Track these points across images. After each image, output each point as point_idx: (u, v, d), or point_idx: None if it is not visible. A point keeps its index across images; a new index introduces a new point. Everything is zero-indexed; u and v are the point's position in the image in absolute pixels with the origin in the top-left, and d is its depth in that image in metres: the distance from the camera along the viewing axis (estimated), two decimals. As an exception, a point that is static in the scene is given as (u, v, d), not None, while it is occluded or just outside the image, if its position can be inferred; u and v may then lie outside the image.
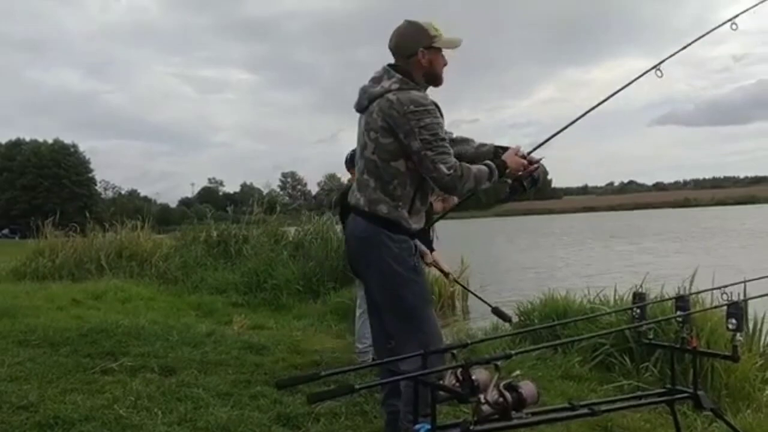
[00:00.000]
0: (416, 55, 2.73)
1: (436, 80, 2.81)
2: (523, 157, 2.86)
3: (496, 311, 3.64)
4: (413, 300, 2.69)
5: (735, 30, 3.40)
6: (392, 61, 2.80)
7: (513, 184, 2.88)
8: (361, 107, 2.79)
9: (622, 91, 3.29)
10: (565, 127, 3.17)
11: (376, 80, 2.76)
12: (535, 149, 3.02)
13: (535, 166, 2.87)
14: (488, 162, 2.73)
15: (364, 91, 2.79)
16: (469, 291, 3.91)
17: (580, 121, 3.25)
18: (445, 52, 2.82)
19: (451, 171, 2.57)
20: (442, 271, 4.46)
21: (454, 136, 2.99)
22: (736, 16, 3.43)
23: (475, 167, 2.65)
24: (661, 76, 3.12)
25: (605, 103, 3.28)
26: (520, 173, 2.83)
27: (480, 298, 3.54)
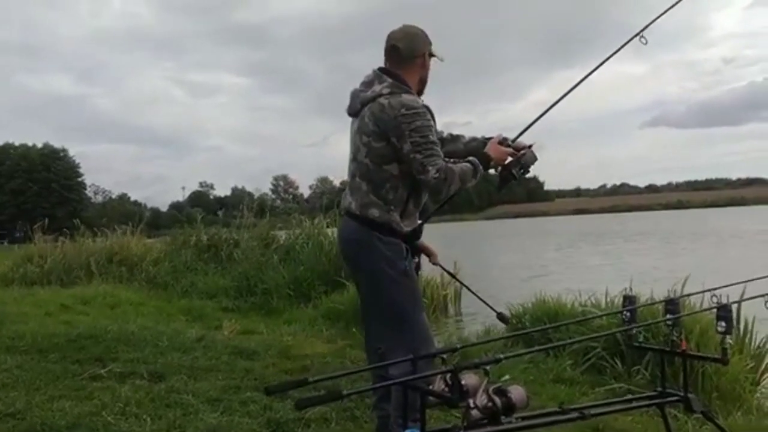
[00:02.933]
0: (420, 58, 2.78)
1: (423, 87, 2.85)
2: (508, 145, 2.85)
3: (501, 316, 3.63)
4: (403, 303, 2.68)
5: None
6: (382, 65, 2.81)
7: (502, 173, 2.84)
8: (353, 111, 2.80)
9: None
10: (551, 107, 3.05)
11: (367, 84, 2.77)
12: (519, 135, 2.96)
13: (522, 152, 2.84)
14: (471, 159, 2.73)
15: (355, 95, 2.80)
16: (475, 294, 3.90)
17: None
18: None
19: (437, 174, 2.57)
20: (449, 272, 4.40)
21: (445, 135, 2.99)
22: None
23: (458, 167, 2.65)
24: (646, 43, 3.06)
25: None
26: (507, 162, 2.82)
27: (485, 302, 3.52)
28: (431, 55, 2.82)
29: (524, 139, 2.94)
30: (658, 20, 3.13)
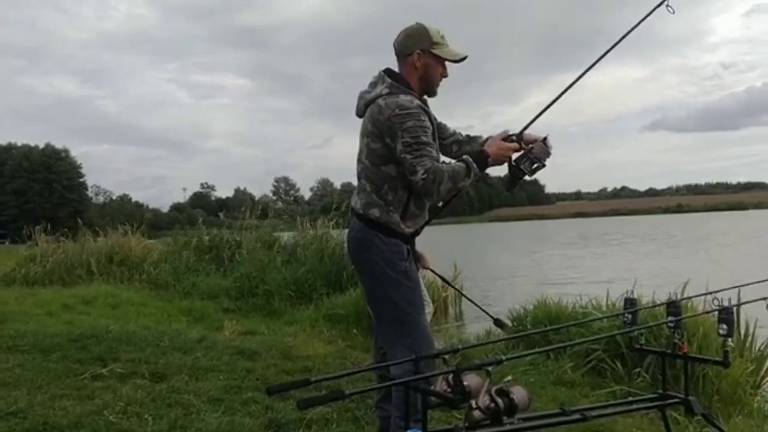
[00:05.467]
0: (411, 56, 2.73)
1: (429, 88, 2.80)
2: (513, 140, 2.78)
3: (498, 322, 3.62)
4: (403, 304, 2.68)
5: None
6: (387, 66, 2.82)
7: (512, 169, 2.75)
8: (359, 113, 2.82)
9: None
10: (562, 93, 2.93)
11: (372, 85, 2.79)
12: (525, 128, 2.85)
13: (530, 146, 2.74)
14: (464, 158, 2.67)
15: (361, 97, 2.82)
16: (471, 301, 3.90)
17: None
18: (448, 66, 2.81)
19: (425, 175, 2.55)
20: (441, 276, 4.38)
21: (462, 137, 2.98)
22: None
23: (449, 167, 2.61)
24: (673, 13, 2.86)
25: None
26: (514, 158, 2.75)
27: (481, 309, 3.53)
28: (433, 54, 2.74)
29: (533, 133, 2.82)
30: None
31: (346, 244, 2.96)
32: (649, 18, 2.96)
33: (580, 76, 2.99)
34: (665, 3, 2.90)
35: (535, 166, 2.74)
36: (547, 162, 2.77)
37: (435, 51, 2.75)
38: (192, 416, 3.62)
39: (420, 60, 2.74)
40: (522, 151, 2.76)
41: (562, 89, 2.98)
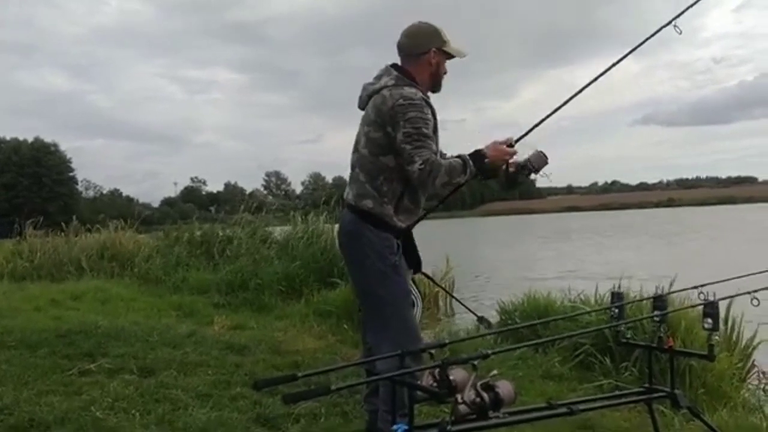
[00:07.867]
0: (427, 54, 2.78)
1: (437, 84, 2.86)
2: (510, 145, 2.83)
3: (481, 320, 3.65)
4: (391, 298, 2.69)
5: None
6: (381, 61, 2.85)
7: (511, 173, 2.82)
8: (361, 104, 2.85)
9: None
10: (565, 103, 2.96)
11: (377, 78, 2.81)
12: (527, 133, 2.90)
13: (528, 155, 2.81)
14: (461, 154, 2.72)
15: (364, 88, 2.84)
16: (456, 299, 3.91)
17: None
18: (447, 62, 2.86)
19: (422, 166, 2.57)
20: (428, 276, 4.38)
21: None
22: None
23: (446, 161, 2.65)
24: (680, 33, 2.94)
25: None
26: (509, 162, 2.79)
27: (466, 307, 3.54)
28: (445, 52, 2.81)
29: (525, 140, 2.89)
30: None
31: (337, 237, 2.97)
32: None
33: (584, 88, 3.04)
34: (673, 23, 2.95)
35: (530, 172, 2.82)
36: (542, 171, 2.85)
37: (446, 48, 2.81)
38: (180, 411, 3.61)
39: (435, 58, 2.79)
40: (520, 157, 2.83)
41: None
